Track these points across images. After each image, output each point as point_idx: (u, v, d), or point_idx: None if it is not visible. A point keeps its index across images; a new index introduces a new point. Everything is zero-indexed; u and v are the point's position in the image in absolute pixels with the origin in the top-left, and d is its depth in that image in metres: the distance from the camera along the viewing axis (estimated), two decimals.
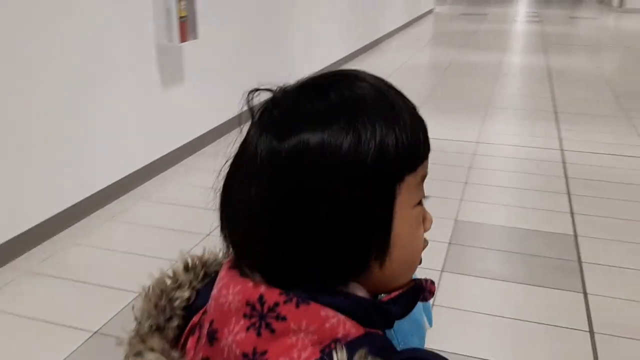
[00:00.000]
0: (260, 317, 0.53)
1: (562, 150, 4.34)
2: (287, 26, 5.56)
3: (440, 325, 1.76)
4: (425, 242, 0.60)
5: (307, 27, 6.01)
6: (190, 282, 0.65)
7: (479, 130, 4.76)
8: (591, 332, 2.28)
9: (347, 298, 0.54)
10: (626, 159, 4.18)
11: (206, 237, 2.88)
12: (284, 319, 0.52)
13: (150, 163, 3.61)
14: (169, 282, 0.65)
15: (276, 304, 0.53)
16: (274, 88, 0.58)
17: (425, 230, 0.60)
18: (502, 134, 4.79)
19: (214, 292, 0.57)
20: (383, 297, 0.58)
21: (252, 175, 0.54)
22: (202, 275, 0.66)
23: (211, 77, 4.23)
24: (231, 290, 0.55)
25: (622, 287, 2.59)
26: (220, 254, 0.67)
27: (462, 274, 2.68)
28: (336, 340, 0.51)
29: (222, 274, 0.58)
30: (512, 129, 4.94)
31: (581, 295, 2.52)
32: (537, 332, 2.30)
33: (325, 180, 0.52)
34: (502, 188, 3.72)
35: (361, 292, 0.56)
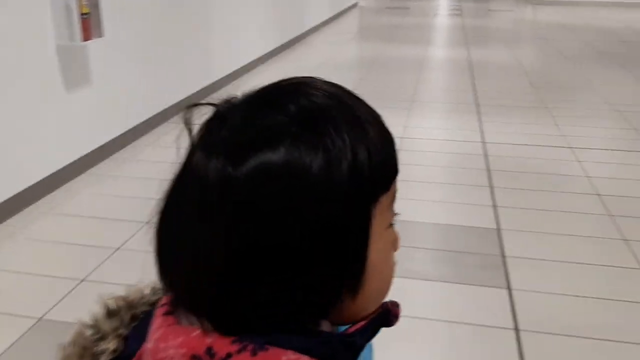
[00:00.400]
0: None
1: (483, 142, 4.37)
2: (204, 21, 5.34)
3: None
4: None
5: (226, 22, 5.80)
6: (116, 330, 0.54)
7: (404, 126, 4.73)
8: (516, 329, 2.25)
9: (310, 336, 0.48)
10: (545, 149, 4.25)
11: (116, 251, 2.68)
12: None
13: (54, 172, 3.34)
14: (89, 333, 0.53)
15: (228, 355, 0.45)
16: (217, 102, 0.49)
17: (394, 251, 0.54)
18: (426, 127, 4.78)
19: (150, 345, 0.47)
20: (348, 327, 0.51)
21: (202, 207, 0.46)
22: (129, 320, 0.55)
23: (121, 78, 3.98)
24: (171, 343, 0.46)
25: (546, 281, 2.58)
26: (147, 290, 0.58)
27: None
28: None
29: (156, 322, 0.48)
30: (436, 123, 4.95)
31: (505, 292, 2.49)
32: (462, 332, 2.25)
33: (291, 207, 0.45)
34: (427, 183, 3.69)
35: (325, 326, 0.50)
